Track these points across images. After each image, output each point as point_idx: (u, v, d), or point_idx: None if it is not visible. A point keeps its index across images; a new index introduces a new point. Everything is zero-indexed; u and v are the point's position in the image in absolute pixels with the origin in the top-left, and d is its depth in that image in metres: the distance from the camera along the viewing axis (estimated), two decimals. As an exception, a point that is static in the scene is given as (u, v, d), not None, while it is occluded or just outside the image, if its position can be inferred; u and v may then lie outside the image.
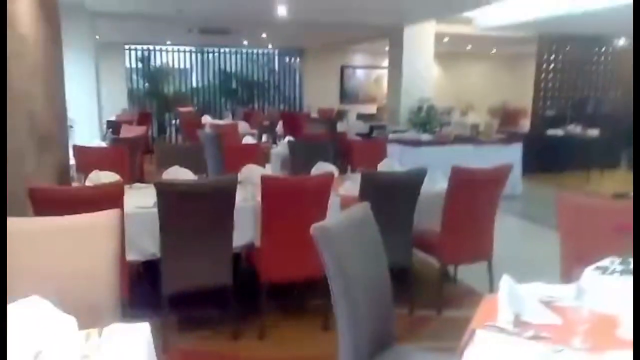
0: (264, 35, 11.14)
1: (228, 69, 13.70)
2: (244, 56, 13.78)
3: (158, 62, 13.04)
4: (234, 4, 7.30)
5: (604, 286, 1.57)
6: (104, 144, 5.77)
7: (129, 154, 4.60)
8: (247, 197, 3.24)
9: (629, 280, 1.55)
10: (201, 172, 3.87)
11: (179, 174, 3.52)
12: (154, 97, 12.81)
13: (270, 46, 13.46)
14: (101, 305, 1.80)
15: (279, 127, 9.29)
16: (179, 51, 13.14)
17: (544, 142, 8.75)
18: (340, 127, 8.69)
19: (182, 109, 11.31)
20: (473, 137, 7.55)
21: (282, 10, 7.35)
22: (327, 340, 2.87)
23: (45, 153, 3.51)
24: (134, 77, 12.79)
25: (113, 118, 9.35)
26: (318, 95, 13.40)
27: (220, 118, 11.39)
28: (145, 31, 10.62)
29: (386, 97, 10.50)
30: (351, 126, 9.24)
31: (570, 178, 8.22)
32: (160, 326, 2.70)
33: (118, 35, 10.67)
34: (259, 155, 4.76)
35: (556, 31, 9.14)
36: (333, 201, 3.15)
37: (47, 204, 2.48)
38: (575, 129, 8.94)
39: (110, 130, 7.66)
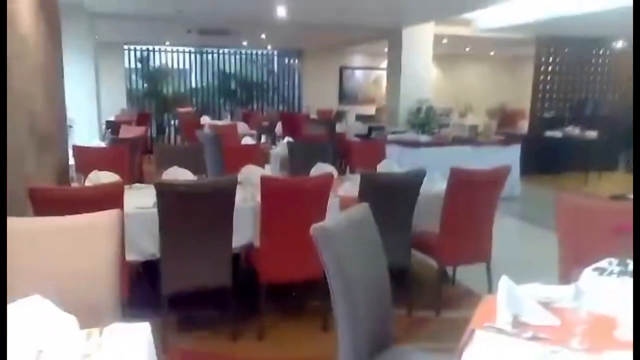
0: (263, 36, 11.16)
1: (227, 69, 13.70)
2: (243, 57, 13.79)
3: (157, 63, 13.04)
4: (234, 5, 7.31)
5: (602, 287, 1.58)
6: (103, 144, 5.77)
7: (128, 154, 4.60)
8: (247, 198, 3.24)
9: (626, 282, 1.56)
10: (200, 173, 3.88)
11: (179, 174, 3.53)
12: (153, 98, 12.80)
13: (269, 47, 13.47)
14: (101, 305, 1.80)
15: (278, 128, 9.29)
16: (178, 51, 13.14)
17: (542, 144, 8.77)
18: (339, 128, 8.71)
19: (181, 110, 11.32)
20: (472, 139, 7.57)
21: (281, 11, 7.36)
22: (326, 340, 2.88)
23: (45, 153, 3.51)
24: (133, 77, 12.79)
25: (112, 118, 9.35)
26: (317, 96, 13.41)
27: (219, 119, 11.39)
28: (144, 31, 10.62)
29: (385, 98, 10.51)
30: (350, 127, 9.26)
31: (569, 179, 8.24)
32: (160, 326, 2.70)
33: (117, 35, 10.67)
34: (258, 156, 4.77)
35: (554, 33, 9.16)
36: (332, 202, 3.15)
37: (47, 204, 2.49)
38: (573, 130, 8.96)
39: (110, 130, 7.66)
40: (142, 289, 3.25)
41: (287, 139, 6.31)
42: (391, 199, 3.14)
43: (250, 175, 3.51)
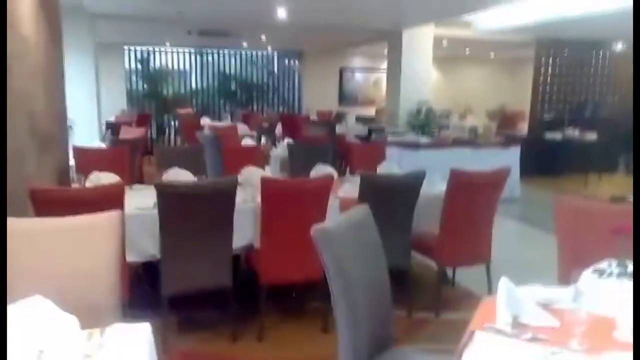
0: (263, 37, 11.17)
1: (227, 70, 13.71)
2: (243, 58, 13.80)
3: (157, 64, 13.05)
4: (234, 6, 7.32)
5: (601, 289, 1.58)
6: (103, 145, 5.77)
7: (128, 155, 4.61)
8: (247, 199, 3.25)
9: (626, 283, 1.57)
10: (200, 174, 3.88)
11: (179, 175, 3.53)
12: (153, 99, 12.81)
13: (269, 48, 13.49)
14: (102, 306, 1.80)
15: (278, 129, 9.30)
16: (178, 52, 13.15)
17: (542, 146, 8.78)
18: (339, 129, 8.72)
19: (181, 111, 11.33)
20: (471, 140, 7.57)
21: (281, 13, 7.37)
22: (326, 342, 2.89)
23: (46, 154, 3.52)
24: (133, 78, 12.80)
25: (112, 119, 9.35)
26: (317, 97, 13.42)
27: (219, 120, 11.40)
28: (144, 32, 10.63)
29: (385, 99, 10.52)
30: (350, 129, 9.27)
31: (568, 181, 8.24)
32: (160, 327, 2.70)
33: (117, 36, 10.67)
34: (258, 157, 4.77)
35: (554, 35, 9.17)
36: (332, 203, 3.16)
37: (48, 204, 2.49)
38: (573, 132, 8.97)
39: (110, 131, 7.67)
40: (142, 290, 3.25)
41: (287, 140, 6.32)
42: (391, 200, 3.15)
43: (251, 177, 3.52)
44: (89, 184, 3.35)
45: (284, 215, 2.98)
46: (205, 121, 9.97)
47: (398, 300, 2.07)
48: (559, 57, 9.64)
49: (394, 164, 4.44)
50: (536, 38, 9.34)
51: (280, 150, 5.89)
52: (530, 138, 8.93)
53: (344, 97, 14.12)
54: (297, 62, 14.04)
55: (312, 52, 13.55)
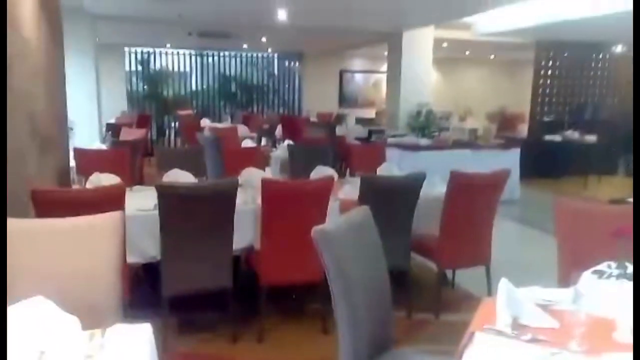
0: (263, 39, 11.18)
1: (227, 72, 13.73)
2: (244, 60, 13.82)
3: (158, 65, 13.06)
4: (234, 8, 7.34)
5: (600, 290, 1.59)
6: (103, 147, 5.78)
7: (129, 157, 4.61)
8: (247, 200, 3.26)
9: (625, 284, 1.57)
10: (201, 175, 3.89)
11: (179, 176, 3.53)
12: (153, 100, 12.82)
13: (269, 50, 13.51)
14: (103, 307, 1.81)
15: (278, 131, 9.31)
16: (178, 54, 13.17)
17: (541, 148, 8.79)
18: (339, 131, 8.72)
19: (181, 112, 11.33)
20: (471, 142, 7.58)
21: (282, 15, 7.39)
22: (326, 343, 2.89)
23: (46, 154, 3.52)
24: (134, 79, 12.81)
25: (112, 120, 9.36)
26: (317, 99, 13.44)
27: (220, 121, 11.41)
28: (145, 34, 10.64)
29: (385, 101, 10.53)
30: (350, 130, 9.27)
31: (568, 183, 8.25)
32: (160, 328, 2.70)
33: (118, 38, 10.69)
34: (258, 159, 4.78)
35: (554, 37, 9.19)
36: (332, 205, 3.16)
37: (49, 205, 2.49)
38: (573, 134, 8.98)
39: (110, 132, 7.67)
40: (143, 291, 3.25)
41: (287, 141, 6.32)
42: (391, 202, 3.16)
43: (251, 178, 3.53)
44: (89, 185, 3.35)
45: (284, 216, 2.98)
46: (205, 122, 9.97)
47: (398, 301, 2.07)
48: (558, 59, 9.66)
49: (394, 165, 4.44)
50: (536, 40, 9.36)
51: (281, 151, 5.90)
52: (530, 140, 8.94)
53: (344, 99, 14.14)
54: (297, 63, 14.05)
55: (313, 53, 13.57)
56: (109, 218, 1.91)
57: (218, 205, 2.86)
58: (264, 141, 7.75)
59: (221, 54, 13.50)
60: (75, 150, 4.58)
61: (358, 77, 14.32)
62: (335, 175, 3.80)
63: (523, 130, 10.07)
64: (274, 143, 7.91)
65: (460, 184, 3.21)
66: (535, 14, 7.59)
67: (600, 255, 1.72)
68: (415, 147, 6.79)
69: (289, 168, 4.94)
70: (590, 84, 10.00)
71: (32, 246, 1.81)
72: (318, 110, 12.32)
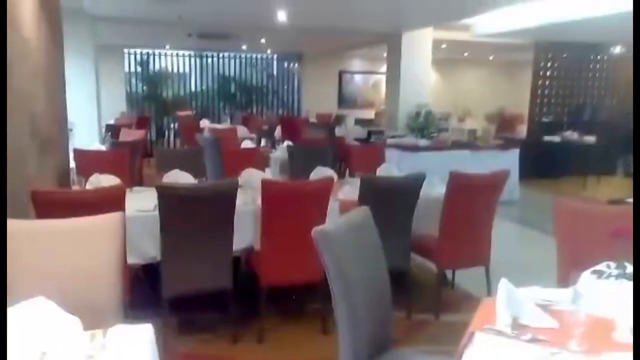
0: (263, 40, 11.19)
1: (227, 73, 13.74)
2: (243, 61, 13.83)
3: (157, 66, 13.06)
4: (234, 9, 7.35)
5: (600, 290, 1.59)
6: (103, 148, 5.78)
7: (128, 158, 4.61)
8: (247, 201, 3.26)
9: (624, 284, 1.58)
10: (200, 176, 3.89)
11: (179, 177, 3.54)
12: (152, 101, 12.83)
13: (269, 51, 13.52)
14: (103, 308, 1.81)
15: (278, 132, 9.31)
16: (178, 55, 13.17)
17: (540, 148, 8.80)
18: (339, 132, 8.73)
19: (180, 113, 11.33)
20: (470, 143, 7.58)
21: (281, 16, 7.39)
22: (326, 343, 2.90)
23: (46, 155, 3.52)
24: (133, 80, 12.81)
25: (112, 122, 9.36)
26: (316, 100, 13.45)
27: (219, 122, 11.42)
28: (144, 35, 10.65)
29: (384, 102, 10.54)
30: (349, 131, 9.28)
31: (567, 184, 8.26)
32: (160, 329, 2.70)
33: (117, 39, 10.69)
34: (258, 160, 4.78)
35: (553, 38, 9.21)
36: (332, 205, 3.17)
37: (49, 206, 2.50)
38: (571, 135, 9.00)
39: (110, 133, 7.68)
40: (143, 292, 3.25)
41: (286, 142, 6.33)
42: (391, 202, 3.16)
43: (251, 179, 3.53)
44: (89, 186, 3.35)
45: (284, 217, 2.99)
46: (205, 123, 9.98)
47: (398, 302, 2.08)
48: (557, 60, 9.68)
49: (393, 166, 4.45)
50: (535, 41, 9.38)
51: (280, 152, 5.90)
52: (529, 141, 8.95)
53: (344, 100, 14.15)
54: (296, 64, 14.07)
55: (312, 54, 13.58)
56: (109, 219, 1.91)
57: (218, 206, 2.86)
58: (263, 142, 7.75)
59: (220, 55, 13.51)
60: (75, 151, 4.58)
61: (357, 78, 14.33)
62: (335, 176, 3.81)
63: (522, 131, 10.08)
64: (273, 144, 7.91)
65: (459, 185, 3.22)
66: (534, 15, 7.60)
67: (599, 256, 1.73)
68: (415, 148, 6.79)
69: (289, 169, 4.94)
70: (589, 85, 10.02)
71: (32, 247, 1.81)
72: (317, 111, 12.33)
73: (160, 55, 12.98)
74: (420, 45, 9.12)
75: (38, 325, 1.35)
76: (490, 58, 14.18)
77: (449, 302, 3.53)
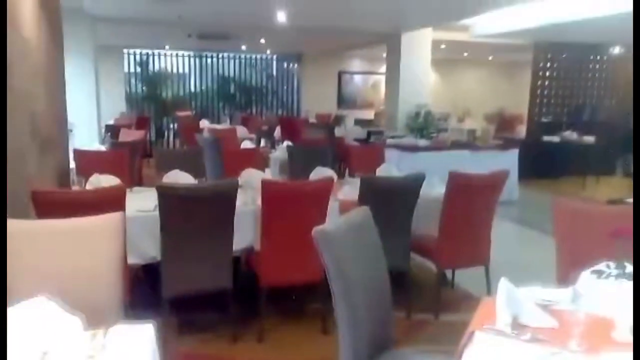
0: (262, 40, 11.20)
1: (226, 73, 13.74)
2: (243, 61, 13.84)
3: (156, 67, 13.06)
4: (234, 10, 7.35)
5: (599, 290, 1.60)
6: (103, 148, 5.78)
7: (128, 158, 4.62)
8: (247, 201, 3.26)
9: (624, 284, 1.58)
10: (200, 176, 3.89)
11: (179, 177, 3.54)
12: (152, 101, 12.82)
13: (268, 51, 13.52)
14: (104, 308, 1.81)
15: (277, 132, 9.32)
16: (177, 55, 13.17)
17: (540, 148, 8.81)
18: (338, 132, 8.73)
19: (180, 113, 11.34)
20: (470, 143, 7.59)
21: (281, 16, 7.40)
22: (326, 343, 2.90)
23: (46, 155, 3.53)
24: (132, 81, 12.81)
25: (111, 122, 9.36)
26: (316, 100, 13.45)
27: (218, 123, 11.42)
28: (144, 35, 10.65)
29: (383, 102, 10.55)
30: (349, 131, 9.29)
31: (566, 184, 8.27)
32: (161, 329, 2.70)
33: (117, 39, 10.69)
34: (258, 160, 4.78)
35: (552, 39, 9.22)
36: (332, 205, 3.17)
37: (50, 206, 2.50)
38: (571, 135, 9.01)
39: (109, 134, 7.68)
40: (143, 292, 3.26)
41: (286, 142, 6.33)
42: (390, 202, 3.17)
43: (251, 179, 3.53)
44: (89, 186, 3.35)
45: (284, 217, 2.99)
46: (204, 124, 9.98)
47: (397, 301, 2.08)
48: (556, 60, 9.69)
49: (393, 166, 4.45)
50: (534, 41, 9.39)
51: (280, 152, 5.91)
52: (528, 141, 8.96)
53: (343, 100, 14.15)
54: (296, 65, 14.07)
55: (311, 55, 13.58)
56: (109, 219, 1.92)
57: (218, 206, 2.86)
58: (262, 142, 7.75)
59: (220, 55, 13.51)
60: (75, 151, 4.58)
61: (357, 78, 14.34)
62: (335, 176, 3.81)
63: (521, 131, 10.09)
64: (272, 144, 7.91)
65: (459, 185, 3.23)
66: (533, 15, 7.61)
67: (598, 256, 1.73)
68: (414, 148, 6.80)
69: (289, 169, 4.95)
70: (588, 85, 10.03)
71: (32, 247, 1.82)
72: (317, 111, 12.33)
73: (159, 55, 12.98)
74: (419, 45, 9.13)
75: (39, 324, 1.36)
76: (490, 58, 14.19)
77: (448, 301, 3.53)
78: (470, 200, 3.28)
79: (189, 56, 13.30)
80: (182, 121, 10.68)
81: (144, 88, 12.92)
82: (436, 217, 3.29)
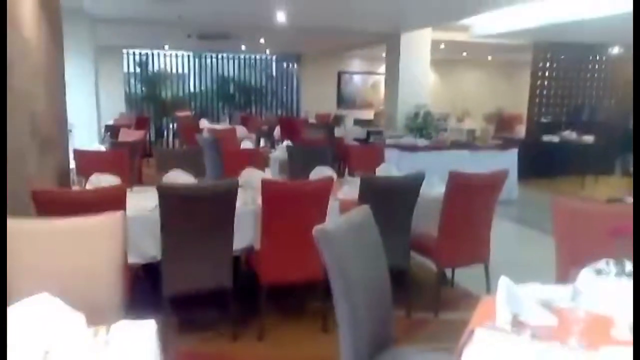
0: (262, 40, 11.20)
1: (226, 73, 13.74)
2: (242, 61, 13.84)
3: (156, 67, 13.06)
4: (234, 10, 7.35)
5: (599, 287, 1.60)
6: (102, 148, 5.79)
7: (128, 158, 4.62)
8: (247, 201, 3.27)
9: (623, 282, 1.59)
10: (200, 176, 3.90)
11: (179, 177, 3.55)
12: (151, 102, 12.82)
13: (267, 51, 13.52)
14: (104, 307, 1.82)
15: (277, 132, 9.32)
16: (177, 55, 13.17)
17: (539, 148, 8.83)
18: (338, 132, 8.75)
19: (179, 114, 11.34)
20: (469, 143, 7.60)
21: (280, 17, 7.41)
22: (326, 341, 2.91)
23: (46, 155, 3.53)
24: (132, 81, 12.81)
25: (111, 122, 9.37)
26: (315, 100, 13.45)
27: (218, 122, 11.43)
28: (144, 35, 10.64)
29: (383, 102, 10.55)
30: (348, 131, 9.30)
31: (565, 183, 8.29)
32: (161, 327, 2.70)
33: (116, 39, 10.68)
34: (258, 160, 4.79)
35: (551, 39, 9.23)
36: (332, 205, 3.18)
37: (50, 206, 2.50)
38: (570, 135, 9.02)
39: (109, 134, 7.69)
40: (143, 291, 3.26)
41: (286, 142, 6.34)
42: (390, 202, 3.17)
43: (251, 179, 3.54)
44: (89, 186, 3.36)
45: (284, 216, 3.00)
46: (204, 124, 9.98)
47: (397, 300, 2.09)
48: (556, 60, 9.69)
49: (392, 166, 4.46)
50: (533, 42, 9.40)
51: (280, 152, 5.91)
52: (527, 140, 8.98)
53: (342, 100, 14.16)
54: (295, 65, 14.07)
55: (311, 55, 13.59)
56: (110, 218, 1.92)
57: (218, 205, 2.87)
58: (262, 142, 7.76)
59: (219, 55, 13.51)
60: (75, 151, 4.59)
61: (356, 78, 14.35)
62: (335, 176, 3.82)
63: (521, 131, 10.10)
64: (272, 144, 7.92)
65: (458, 184, 3.23)
66: (533, 15, 7.62)
67: (598, 254, 1.74)
68: (414, 148, 6.81)
69: (288, 169, 4.95)
70: (588, 85, 10.04)
71: (33, 246, 1.82)
72: (316, 111, 12.34)
73: (159, 55, 12.97)
74: (418, 45, 9.14)
75: (42, 321, 1.36)
76: (489, 58, 14.20)
77: (448, 300, 3.54)
78: (470, 199, 3.29)
79: (188, 56, 13.30)
80: (181, 121, 10.69)
81: (143, 88, 12.92)
82: (436, 216, 3.30)
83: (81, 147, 5.08)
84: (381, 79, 11.64)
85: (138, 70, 12.75)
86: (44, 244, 1.84)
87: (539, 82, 9.65)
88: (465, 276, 3.83)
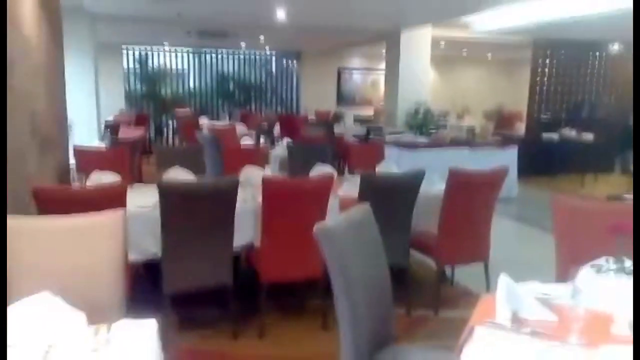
0: (261, 38, 11.19)
1: (225, 71, 13.73)
2: (242, 58, 13.82)
3: (155, 64, 13.04)
4: (233, 7, 7.34)
5: (598, 285, 1.61)
6: (102, 145, 5.79)
7: (128, 155, 4.62)
8: (247, 198, 3.27)
9: (623, 279, 1.59)
10: (200, 174, 3.90)
11: (179, 174, 3.55)
12: (151, 99, 12.81)
13: (267, 49, 13.51)
14: (105, 304, 1.83)
15: (276, 129, 9.32)
16: (176, 52, 13.15)
17: (539, 146, 8.83)
18: (338, 129, 8.74)
19: (179, 111, 11.33)
20: (469, 140, 7.61)
21: (280, 14, 7.40)
22: (326, 339, 2.92)
23: (47, 154, 3.53)
24: (132, 78, 12.79)
25: (111, 119, 9.36)
26: (315, 97, 13.45)
27: (218, 120, 11.41)
28: (143, 33, 10.64)
29: (383, 100, 10.55)
30: (348, 129, 9.29)
31: (565, 181, 8.29)
32: (161, 325, 2.71)
33: (116, 37, 10.67)
34: (258, 157, 4.79)
35: (551, 36, 9.22)
36: (332, 202, 3.18)
37: (51, 204, 2.50)
38: (570, 133, 9.03)
39: (109, 131, 7.68)
40: (144, 289, 3.26)
41: (286, 140, 6.34)
42: (390, 199, 3.17)
43: (251, 176, 3.55)
44: (90, 183, 3.36)
45: (284, 214, 3.00)
46: (203, 121, 9.98)
47: (397, 298, 2.09)
48: (555, 58, 9.69)
49: (392, 163, 4.46)
50: (533, 39, 9.39)
51: (280, 150, 5.91)
52: (527, 138, 8.98)
53: (342, 98, 14.16)
54: (295, 62, 14.06)
55: (310, 52, 13.57)
56: (111, 216, 1.93)
57: (219, 203, 2.87)
58: (262, 140, 7.76)
59: (219, 52, 13.50)
60: (75, 149, 4.58)
61: (356, 75, 14.34)
62: (335, 174, 3.82)
63: (520, 128, 10.10)
64: (272, 141, 7.92)
65: (458, 182, 3.24)
66: (532, 13, 7.61)
67: (597, 252, 1.74)
68: (414, 145, 6.81)
69: (288, 166, 4.96)
70: (587, 83, 10.03)
71: (33, 244, 1.82)
72: (316, 108, 12.34)
73: (158, 52, 12.96)
74: (418, 43, 9.13)
75: (43, 320, 1.37)
76: (489, 56, 14.19)
77: (448, 298, 3.55)
78: (470, 197, 3.29)
79: (188, 53, 13.28)
80: (181, 118, 10.68)
81: (142, 86, 12.91)
82: (436, 214, 3.30)
83: (81, 144, 5.08)
84: (381, 76, 11.63)
85: (138, 67, 12.74)
86: (45, 243, 1.84)
87: (538, 80, 9.64)
88: (465, 274, 3.84)
